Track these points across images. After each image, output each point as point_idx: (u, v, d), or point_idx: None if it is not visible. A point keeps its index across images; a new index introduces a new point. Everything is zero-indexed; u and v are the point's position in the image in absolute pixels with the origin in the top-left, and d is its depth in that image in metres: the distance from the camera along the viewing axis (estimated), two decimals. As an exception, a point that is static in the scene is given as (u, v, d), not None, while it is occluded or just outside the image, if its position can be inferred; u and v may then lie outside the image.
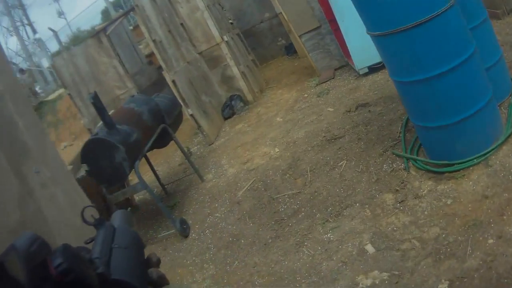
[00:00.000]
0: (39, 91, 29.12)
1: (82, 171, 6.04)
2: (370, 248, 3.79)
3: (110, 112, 7.33)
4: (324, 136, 6.27)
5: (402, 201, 4.13)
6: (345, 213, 4.48)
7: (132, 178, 9.74)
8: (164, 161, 9.55)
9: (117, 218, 2.09)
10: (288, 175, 5.89)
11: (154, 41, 8.65)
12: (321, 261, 4.03)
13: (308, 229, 4.59)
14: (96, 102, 5.81)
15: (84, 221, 1.96)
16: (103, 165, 5.84)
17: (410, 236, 3.68)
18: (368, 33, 4.09)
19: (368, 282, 3.50)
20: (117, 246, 1.75)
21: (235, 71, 9.95)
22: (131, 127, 6.26)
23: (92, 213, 1.88)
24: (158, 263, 1.83)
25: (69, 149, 20.38)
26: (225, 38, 9.90)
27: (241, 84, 9.97)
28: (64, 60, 10.16)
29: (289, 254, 4.41)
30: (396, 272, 3.39)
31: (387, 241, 3.78)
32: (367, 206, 4.38)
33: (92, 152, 5.81)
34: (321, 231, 4.43)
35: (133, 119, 6.52)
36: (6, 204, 2.80)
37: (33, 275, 1.35)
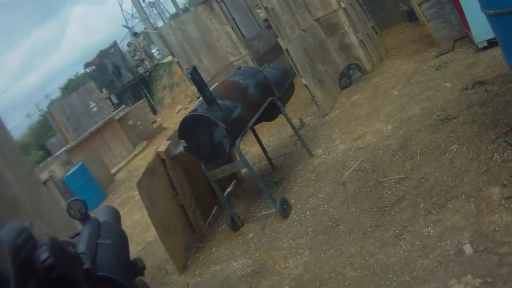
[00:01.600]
0: (156, 53, 30.74)
1: (181, 147, 6.38)
2: (468, 249, 3.69)
3: (214, 86, 7.66)
4: (438, 115, 6.07)
5: (508, 197, 3.93)
6: (449, 205, 4.35)
7: (243, 147, 10.19)
8: (276, 131, 9.80)
9: (102, 213, 2.23)
10: (397, 156, 5.83)
11: (266, 8, 8.82)
12: (417, 258, 3.99)
13: (409, 220, 4.54)
14: (195, 77, 6.07)
15: (70, 215, 2.12)
16: (202, 142, 6.14)
17: (510, 239, 3.54)
18: (483, 11, 3.92)
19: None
20: (102, 242, 1.89)
21: (353, 39, 9.83)
22: (234, 102, 6.46)
23: (78, 207, 2.03)
24: (143, 269, 1.96)
25: (184, 112, 21.51)
26: (343, 4, 9.78)
27: (360, 52, 9.85)
28: (171, 28, 10.66)
29: (386, 247, 4.41)
30: (489, 279, 3.29)
31: (486, 242, 3.64)
32: (472, 199, 4.22)
33: (191, 129, 6.12)
34: (422, 223, 4.37)
35: (237, 93, 6.73)
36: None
37: (19, 269, 1.49)
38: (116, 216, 2.20)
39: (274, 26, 8.85)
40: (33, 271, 1.56)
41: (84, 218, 2.09)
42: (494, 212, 3.91)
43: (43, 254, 1.56)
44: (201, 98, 6.42)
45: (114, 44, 30.77)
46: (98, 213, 2.22)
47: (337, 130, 7.84)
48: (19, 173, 3.68)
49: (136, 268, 2.03)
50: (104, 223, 2.05)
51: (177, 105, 24.54)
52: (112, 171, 18.66)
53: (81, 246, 1.85)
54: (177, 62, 10.36)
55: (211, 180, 6.64)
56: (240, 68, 7.53)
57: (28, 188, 3.71)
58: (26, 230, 1.64)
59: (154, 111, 27.93)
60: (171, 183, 6.77)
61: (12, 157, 3.75)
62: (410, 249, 4.17)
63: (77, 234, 2.05)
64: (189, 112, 6.31)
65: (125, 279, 1.79)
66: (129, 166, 18.77)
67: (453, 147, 5.20)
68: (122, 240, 2.01)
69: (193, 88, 10.49)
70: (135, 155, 19.69)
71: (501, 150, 4.57)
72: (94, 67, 31.43)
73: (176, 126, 6.38)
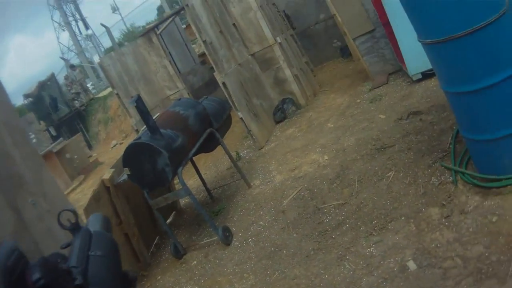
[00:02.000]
0: (91, 87, 30.19)
1: (124, 175, 6.26)
2: (412, 265, 3.82)
3: (155, 116, 7.59)
4: (374, 145, 6.30)
5: (447, 216, 4.13)
6: (389, 227, 4.51)
7: (178, 181, 10.06)
8: (213, 164, 9.77)
9: (93, 222, 2.15)
10: (335, 184, 5.96)
11: (204, 42, 8.89)
12: (362, 276, 4.08)
13: (351, 242, 4.65)
14: (140, 106, 6.02)
15: (60, 225, 2.03)
16: (145, 170, 6.04)
17: (453, 254, 3.68)
18: (420, 41, 4.11)
19: (406, 301, 3.55)
20: (93, 254, 1.81)
21: (287, 73, 10.05)
22: (176, 131, 6.43)
23: (69, 217, 1.94)
24: (134, 280, 1.89)
25: (120, 148, 21.11)
26: (278, 39, 10.02)
27: (294, 87, 10.07)
28: (112, 59, 10.56)
29: (330, 268, 4.48)
30: (436, 292, 3.42)
31: (429, 258, 3.79)
32: (412, 220, 4.40)
33: (134, 157, 6.03)
34: (364, 244, 4.48)
35: (178, 123, 6.70)
36: (1, 238, 2.76)
37: None
38: (106, 224, 2.10)
39: (211, 59, 8.93)
40: None
41: (75, 228, 1.98)
42: (435, 230, 4.07)
43: (35, 275, 1.48)
44: (144, 127, 6.34)
45: (52, 76, 29.96)
46: (89, 222, 2.11)
47: (273, 162, 7.94)
48: (25, 152, 3.55)
49: (127, 279, 1.94)
50: (95, 233, 1.95)
51: (112, 140, 24.06)
52: (48, 204, 17.92)
53: (72, 259, 1.76)
54: (117, 94, 10.24)
55: (154, 208, 6.53)
56: (180, 99, 7.60)
57: (33, 166, 3.58)
58: (17, 249, 1.55)
59: (90, 146, 27.21)
60: (115, 211, 6.60)
61: (19, 136, 3.64)
62: (354, 268, 4.26)
63: (68, 245, 1.94)
64: (133, 140, 6.23)
65: None
66: (68, 198, 18.08)
67: (390, 173, 5.38)
68: (113, 251, 1.92)
69: (131, 121, 10.40)
70: (73, 189, 19.04)
71: (438, 174, 4.78)
72: (31, 99, 30.43)
73: (112, 161, 6.27)
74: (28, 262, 1.61)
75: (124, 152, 6.12)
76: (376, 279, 3.93)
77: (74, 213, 2.11)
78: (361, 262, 4.27)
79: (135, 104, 6.02)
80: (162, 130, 6.23)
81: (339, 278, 4.26)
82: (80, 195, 16.59)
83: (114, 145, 22.97)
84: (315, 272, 4.56)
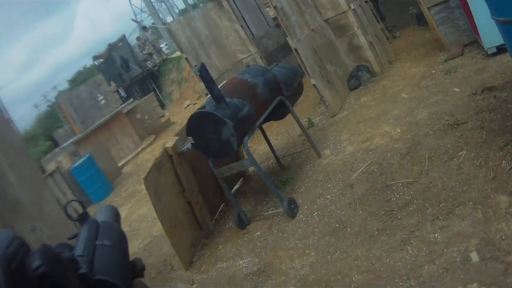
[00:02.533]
0: (164, 47, 30.78)
1: (188, 143, 6.40)
2: (474, 256, 3.69)
3: (222, 83, 7.66)
4: (447, 120, 6.06)
5: (515, 206, 3.97)
6: (456, 212, 4.36)
7: (251, 145, 10.21)
8: (285, 130, 9.80)
9: (101, 213, 2.20)
10: (405, 160, 5.82)
11: (275, 7, 8.81)
12: (423, 264, 4.00)
13: (416, 225, 4.55)
14: (203, 74, 6.09)
15: (67, 216, 2.09)
16: (210, 140, 6.15)
17: (517, 248, 3.56)
18: (493, 18, 3.91)
19: (465, 295, 3.48)
20: (100, 243, 1.85)
21: (362, 40, 9.82)
22: (242, 100, 6.45)
23: (76, 208, 2.00)
24: (142, 270, 1.93)
25: (192, 108, 21.58)
26: (352, 6, 9.77)
27: (369, 54, 9.84)
28: (180, 24, 10.68)
29: (392, 251, 4.42)
30: (495, 288, 3.33)
31: (493, 250, 3.64)
32: (480, 206, 4.22)
33: (198, 126, 6.13)
34: (429, 229, 4.37)
35: (246, 92, 6.71)
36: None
37: (11, 278, 1.48)
38: (115, 215, 2.17)
39: (283, 25, 8.85)
40: (25, 280, 1.54)
41: (82, 218, 2.06)
42: (501, 220, 3.92)
43: (35, 262, 1.54)
44: (209, 95, 6.42)
45: (123, 38, 30.83)
46: (97, 213, 2.19)
47: (345, 131, 7.84)
48: (22, 172, 3.62)
49: (135, 269, 2.01)
50: (103, 223, 2.02)
51: (185, 100, 24.58)
52: (119, 164, 18.74)
53: (79, 248, 1.83)
54: (186, 58, 10.38)
55: (219, 177, 6.66)
56: (249, 66, 7.52)
57: (31, 188, 3.65)
58: (18, 238, 1.62)
59: (162, 106, 27.99)
60: (178, 179, 6.81)
61: (15, 155, 3.70)
62: (416, 254, 4.17)
63: (76, 236, 2.02)
64: (197, 109, 6.31)
65: (123, 282, 1.77)
66: (137, 159, 18.84)
67: (461, 152, 5.19)
68: (121, 241, 1.99)
69: (202, 84, 10.53)
70: (143, 149, 19.76)
71: (509, 158, 4.57)
72: (102, 60, 31.52)
73: (184, 121, 6.39)
74: (29, 250, 1.67)
75: (188, 121, 6.22)
76: (437, 269, 3.84)
77: (82, 203, 2.19)
78: (424, 248, 4.17)
79: (198, 73, 6.09)
80: (228, 99, 6.25)
81: (400, 263, 4.20)
82: (150, 155, 17.22)
83: (188, 105, 23.46)
84: (377, 255, 4.51)
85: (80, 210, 2.09)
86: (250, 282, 5.47)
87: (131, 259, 2.02)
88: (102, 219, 2.10)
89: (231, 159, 6.79)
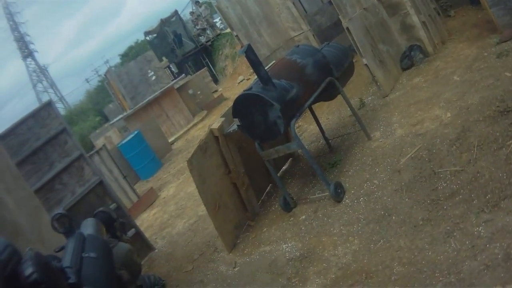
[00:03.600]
0: (218, 22, 30.86)
1: (235, 125, 6.51)
2: (517, 254, 3.71)
3: (271, 64, 7.71)
4: (497, 106, 5.94)
5: None
6: (502, 205, 4.32)
7: (302, 124, 10.26)
8: (336, 109, 9.80)
9: (87, 226, 2.31)
10: (454, 147, 5.77)
11: (326, -15, 8.77)
12: (465, 259, 4.01)
13: (461, 216, 4.55)
14: (250, 55, 6.15)
15: (54, 229, 2.20)
16: (256, 121, 6.27)
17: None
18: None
19: (503, 296, 3.49)
20: (87, 256, 1.96)
21: (415, 20, 9.63)
22: (291, 81, 6.50)
23: (63, 221, 2.10)
24: (127, 283, 2.02)
25: (245, 83, 21.67)
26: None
27: (422, 34, 9.65)
28: (230, 2, 10.72)
29: (435, 243, 4.44)
30: (535, 291, 3.32)
31: (536, 249, 3.66)
32: (526, 200, 4.22)
33: (245, 108, 6.25)
34: (474, 222, 4.36)
35: (294, 73, 6.76)
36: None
37: (4, 285, 1.60)
38: (100, 228, 2.29)
39: (334, 3, 8.79)
40: (18, 286, 1.64)
41: (69, 231, 2.18)
42: (547, 217, 3.88)
43: (28, 269, 1.63)
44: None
45: (175, 13, 31.12)
46: (83, 226, 2.31)
47: (396, 113, 7.79)
48: (19, 197, 3.77)
49: (121, 281, 2.12)
50: (89, 236, 2.14)
51: (239, 76, 24.69)
52: (170, 140, 19.11)
53: (66, 260, 1.95)
54: (236, 36, 10.44)
55: (265, 159, 6.76)
56: (298, 46, 7.52)
57: (29, 212, 3.79)
58: (10, 245, 1.72)
59: (216, 81, 28.24)
60: (224, 161, 6.96)
61: (11, 181, 3.85)
62: (459, 248, 4.19)
63: (62, 248, 2.14)
64: (244, 91, 6.40)
65: None
66: (188, 135, 19.17)
67: (510, 142, 5.12)
68: (106, 253, 2.10)
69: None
70: (194, 125, 20.06)
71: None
72: (154, 35, 31.94)
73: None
74: (21, 258, 1.79)
75: (234, 102, 6.34)
76: (478, 265, 3.85)
77: (68, 217, 2.31)
78: (467, 242, 4.17)
79: (244, 55, 6.17)
80: (275, 81, 6.32)
81: (442, 257, 4.22)
82: (201, 131, 17.47)
83: (241, 81, 23.56)
84: (420, 246, 4.54)
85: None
86: (292, 268, 5.60)
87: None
88: (88, 232, 2.22)
89: (279, 141, 6.84)
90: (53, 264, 1.84)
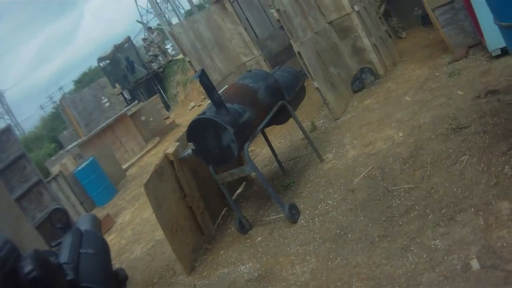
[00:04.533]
0: (170, 49, 30.84)
1: (189, 149, 6.41)
2: (475, 264, 3.68)
3: (224, 89, 7.65)
4: (450, 124, 6.04)
5: (517, 213, 3.96)
6: (458, 218, 4.35)
7: (254, 148, 10.20)
8: (288, 132, 9.80)
9: (84, 222, 2.23)
10: (408, 165, 5.81)
11: (278, 10, 8.79)
12: (423, 272, 3.98)
13: (417, 231, 4.53)
14: (204, 80, 6.07)
15: (52, 224, 2.11)
16: (210, 146, 6.14)
17: (518, 256, 3.54)
18: (496, 23, 3.91)
19: (465, 305, 3.47)
20: (85, 252, 1.88)
21: (366, 42, 9.79)
22: (243, 105, 6.43)
23: (59, 217, 2.01)
24: (125, 280, 1.94)
25: (197, 110, 21.59)
26: (356, 8, 9.74)
27: (373, 56, 9.81)
28: (183, 27, 10.66)
29: (393, 258, 4.41)
30: (495, 298, 3.31)
31: (493, 258, 3.63)
32: (481, 213, 4.21)
33: (199, 132, 6.12)
34: (430, 235, 4.36)
35: (247, 97, 6.70)
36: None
37: (3, 282, 1.50)
38: (97, 224, 2.21)
39: (286, 28, 8.82)
40: (17, 284, 1.56)
41: (66, 227, 2.09)
42: (503, 227, 3.91)
43: (27, 267, 1.56)
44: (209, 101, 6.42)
45: (128, 39, 30.90)
46: (80, 222, 2.23)
47: (348, 135, 7.82)
48: (0, 206, 3.63)
49: (118, 279, 2.03)
50: (86, 232, 2.05)
51: (191, 102, 24.60)
52: (124, 166, 18.80)
53: (64, 256, 1.85)
54: (189, 61, 10.35)
55: (220, 183, 6.66)
56: (250, 71, 7.50)
57: (10, 222, 3.66)
58: (9, 242, 1.64)
59: (167, 107, 28.04)
60: (179, 185, 6.83)
61: None
62: (417, 262, 4.17)
63: (59, 243, 2.04)
64: (198, 115, 6.31)
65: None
66: (141, 162, 18.87)
67: (463, 157, 5.18)
68: (104, 249, 2.02)
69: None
70: (147, 151, 19.80)
71: (512, 163, 4.56)
72: (108, 61, 31.61)
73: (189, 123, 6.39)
74: (20, 254, 1.70)
75: (188, 127, 6.21)
76: (437, 276, 3.83)
77: (65, 212, 2.22)
78: (424, 256, 4.16)
79: (198, 79, 6.09)
80: (228, 105, 6.24)
81: (400, 271, 4.18)
82: (154, 158, 17.24)
83: (192, 107, 23.48)
84: (377, 262, 4.50)
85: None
86: (251, 288, 5.47)
87: (116, 268, 2.04)
88: (85, 228, 2.12)
89: (233, 164, 6.76)
90: (51, 260, 1.73)
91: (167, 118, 24.55)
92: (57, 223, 2.14)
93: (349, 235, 5.25)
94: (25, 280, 1.57)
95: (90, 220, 2.30)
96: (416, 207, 4.94)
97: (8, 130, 8.05)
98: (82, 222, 2.27)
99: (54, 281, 1.63)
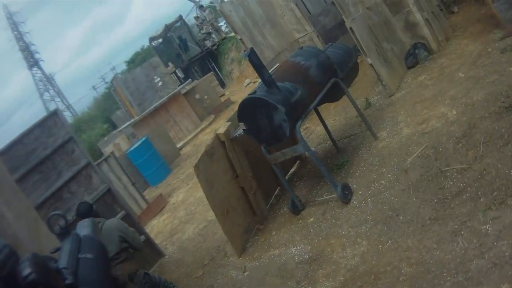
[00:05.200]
0: (223, 26, 30.92)
1: (240, 129, 6.52)
2: (524, 252, 3.71)
3: (275, 67, 7.71)
4: (503, 102, 5.94)
5: None
6: (509, 202, 4.32)
7: (309, 126, 10.26)
8: (343, 110, 9.80)
9: (83, 227, 2.33)
10: (461, 144, 5.77)
11: (329, -14, 8.77)
12: (473, 258, 4.01)
13: (469, 214, 4.54)
14: (253, 59, 6.16)
15: (50, 229, 2.23)
16: (261, 125, 6.27)
17: None
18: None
19: (510, 293, 3.48)
20: (83, 256, 1.99)
21: (418, 17, 9.64)
22: (295, 83, 6.50)
23: (59, 222, 2.12)
24: (124, 285, 2.05)
25: (252, 86, 21.67)
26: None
27: (425, 31, 9.65)
28: (233, 5, 10.74)
29: (443, 242, 4.44)
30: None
31: (543, 245, 3.66)
32: (533, 196, 4.22)
33: (250, 112, 6.26)
34: (481, 219, 4.36)
35: (298, 75, 6.76)
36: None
37: (2, 285, 1.62)
38: (95, 229, 2.32)
39: (337, 4, 8.80)
40: (16, 287, 1.66)
41: (65, 232, 2.21)
42: (554, 213, 3.87)
43: (25, 270, 1.66)
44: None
45: (180, 18, 31.21)
46: (78, 227, 2.34)
47: (402, 112, 7.79)
48: (18, 210, 3.80)
49: (118, 282, 2.16)
50: (85, 237, 2.16)
51: (246, 79, 24.71)
52: (178, 145, 19.16)
53: (62, 261, 1.97)
54: (240, 39, 10.45)
55: (272, 163, 6.77)
56: (301, 48, 7.53)
57: (28, 224, 3.83)
58: (8, 246, 1.75)
59: (223, 85, 28.27)
60: (231, 165, 6.99)
61: (10, 194, 3.89)
62: (467, 247, 4.19)
63: (58, 249, 2.16)
64: (248, 95, 6.41)
65: None
66: (196, 140, 19.20)
67: (515, 137, 5.12)
68: (102, 254, 2.13)
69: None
70: (202, 129, 20.09)
71: None
72: (160, 40, 32.05)
73: (244, 100, 6.48)
74: (19, 258, 1.82)
75: (239, 106, 6.35)
76: (486, 263, 3.85)
77: (64, 217, 2.33)
78: (474, 241, 4.17)
79: (247, 58, 6.18)
80: (279, 83, 6.32)
81: (449, 256, 4.22)
82: (209, 136, 17.48)
83: (248, 84, 23.57)
84: (428, 246, 4.54)
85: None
86: (301, 270, 5.62)
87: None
88: (84, 233, 2.25)
89: (287, 143, 6.83)
90: (50, 264, 1.87)
91: (222, 95, 24.79)
92: (56, 228, 2.28)
93: (401, 217, 5.30)
94: (23, 283, 1.67)
95: (89, 226, 2.40)
96: (468, 189, 4.93)
97: (55, 114, 8.30)
98: (81, 227, 2.38)
99: (52, 285, 1.73)
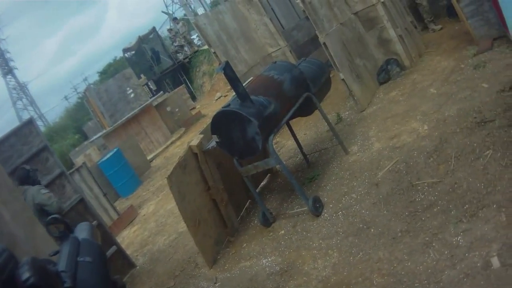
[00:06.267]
0: (196, 39, 30.93)
1: (213, 141, 6.50)
2: (495, 262, 3.70)
3: (248, 80, 7.72)
4: (474, 117, 6.04)
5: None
6: (480, 215, 4.37)
7: (280, 140, 10.27)
8: (314, 124, 9.84)
9: (81, 231, 2.31)
10: (432, 158, 5.83)
11: (303, 1, 8.81)
12: (444, 269, 4.03)
13: (440, 227, 4.57)
14: (228, 72, 6.14)
15: (49, 233, 2.19)
16: (234, 138, 6.22)
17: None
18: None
19: (483, 303, 3.51)
20: (82, 260, 1.96)
21: (392, 33, 9.78)
22: (268, 97, 6.49)
23: (58, 225, 2.09)
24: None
25: (223, 100, 21.68)
26: (381, -2, 9.73)
27: (398, 47, 9.79)
28: (208, 18, 10.73)
29: (414, 254, 4.46)
30: (515, 296, 3.35)
31: (514, 256, 3.69)
32: (503, 209, 4.23)
33: (223, 124, 6.21)
34: (452, 232, 4.39)
35: (272, 89, 6.76)
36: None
37: None
38: (94, 233, 2.29)
39: (311, 19, 8.85)
40: None
41: (63, 236, 2.18)
42: (525, 225, 3.92)
43: (25, 274, 1.64)
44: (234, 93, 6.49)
45: (153, 30, 31.11)
46: (77, 231, 2.31)
47: (373, 127, 7.85)
48: (14, 209, 3.76)
49: (116, 286, 2.12)
50: (83, 241, 2.13)
51: (217, 93, 24.68)
52: (149, 157, 19.01)
53: (61, 264, 1.94)
54: (214, 52, 10.43)
55: (244, 176, 6.75)
56: (275, 62, 7.55)
57: (24, 223, 3.79)
58: (6, 250, 1.72)
59: (193, 98, 28.19)
60: (203, 177, 6.94)
61: (6, 194, 3.84)
62: (438, 258, 4.21)
63: (57, 252, 2.13)
64: (222, 107, 6.39)
65: None
66: (166, 153, 19.06)
67: (487, 152, 5.19)
68: (101, 258, 2.10)
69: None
70: (173, 142, 19.97)
71: (537, 158, 4.57)
72: (133, 52, 31.90)
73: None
74: (18, 262, 1.78)
75: (212, 119, 6.30)
76: (458, 274, 3.87)
77: (62, 221, 2.30)
78: (446, 252, 4.20)
79: (222, 71, 6.16)
80: (253, 97, 6.30)
81: (421, 267, 4.23)
82: (179, 148, 17.41)
83: (218, 97, 23.55)
84: (399, 258, 4.55)
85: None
86: (272, 282, 5.57)
87: (114, 277, 2.12)
88: (82, 236, 2.21)
89: (258, 156, 6.82)
90: (49, 268, 1.83)
91: (193, 108, 24.71)
92: (54, 232, 2.23)
93: (372, 230, 5.31)
94: (23, 287, 1.63)
95: (87, 229, 2.38)
96: (439, 202, 4.97)
97: (30, 122, 8.23)
98: (80, 231, 2.35)
99: None
